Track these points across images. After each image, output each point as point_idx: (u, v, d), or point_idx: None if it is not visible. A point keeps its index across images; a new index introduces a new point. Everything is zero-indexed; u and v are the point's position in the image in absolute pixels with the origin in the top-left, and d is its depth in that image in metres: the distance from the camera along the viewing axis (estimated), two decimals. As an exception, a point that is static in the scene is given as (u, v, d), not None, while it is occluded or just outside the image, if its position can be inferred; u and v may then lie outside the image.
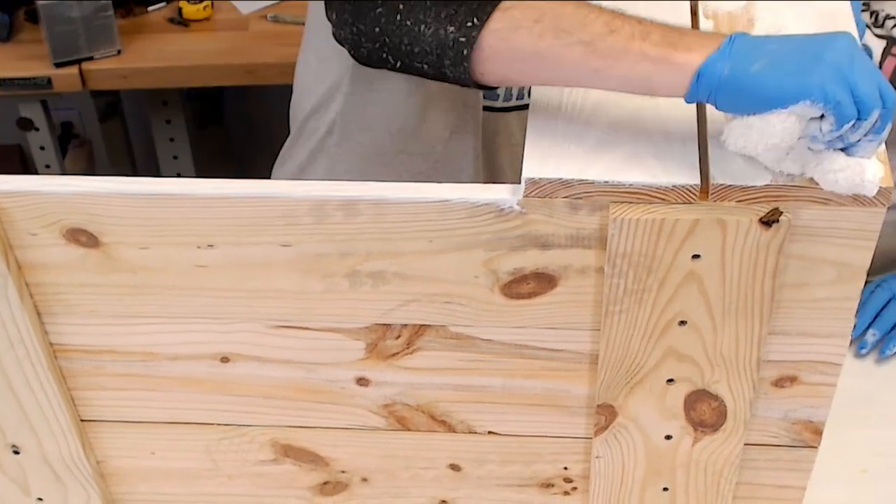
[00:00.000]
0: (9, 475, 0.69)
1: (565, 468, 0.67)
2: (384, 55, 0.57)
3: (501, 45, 0.52)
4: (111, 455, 0.68)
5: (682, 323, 0.56)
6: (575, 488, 0.68)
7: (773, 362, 0.59)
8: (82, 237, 0.57)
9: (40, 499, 0.70)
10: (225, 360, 0.63)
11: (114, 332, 0.61)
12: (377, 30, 0.56)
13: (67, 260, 0.58)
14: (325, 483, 0.69)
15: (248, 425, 0.66)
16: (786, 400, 0.61)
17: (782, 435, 0.63)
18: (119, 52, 1.24)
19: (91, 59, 1.23)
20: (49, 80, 1.23)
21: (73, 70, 1.23)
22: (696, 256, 0.52)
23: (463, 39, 0.53)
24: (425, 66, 0.56)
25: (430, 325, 0.60)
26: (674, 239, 0.52)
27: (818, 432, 0.62)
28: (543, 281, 0.57)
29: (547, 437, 0.65)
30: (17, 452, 0.66)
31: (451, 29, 0.53)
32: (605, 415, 0.61)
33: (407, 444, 0.66)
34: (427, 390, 0.63)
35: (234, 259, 0.57)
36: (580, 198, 0.52)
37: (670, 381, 0.59)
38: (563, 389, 0.62)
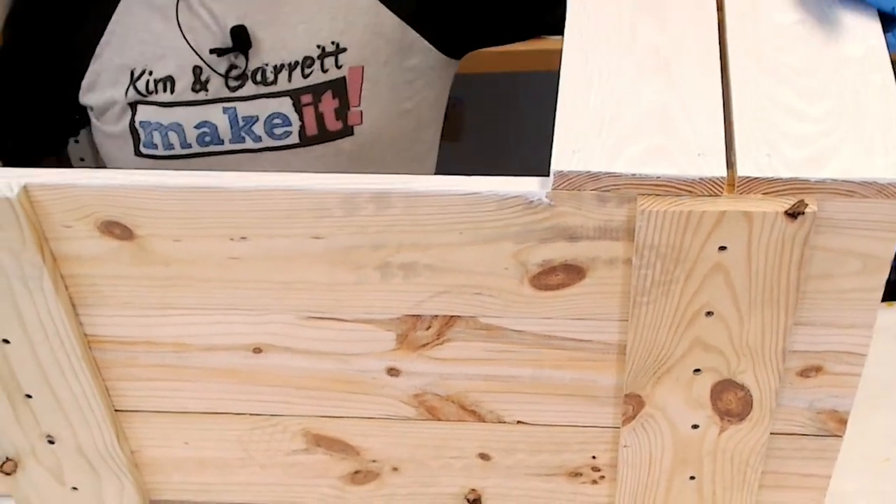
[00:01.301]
0: (44, 465, 0.73)
1: (593, 457, 0.70)
2: None
3: None
4: (145, 445, 0.73)
5: (709, 314, 0.59)
6: (602, 477, 0.72)
7: (799, 353, 0.62)
8: (116, 230, 0.60)
9: (75, 488, 0.74)
10: (257, 350, 0.67)
11: (147, 323, 0.65)
12: None
13: (101, 252, 0.62)
14: (357, 472, 0.73)
15: (280, 415, 0.70)
16: (811, 390, 0.64)
17: (808, 424, 0.66)
18: None
19: None
20: None
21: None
22: (722, 248, 0.56)
23: None
24: None
25: (460, 317, 0.63)
26: (700, 231, 0.55)
27: (843, 421, 0.65)
28: (572, 272, 0.60)
29: (576, 426, 0.69)
30: (51, 442, 0.71)
31: None
32: (633, 404, 0.65)
33: (437, 433, 0.70)
34: (457, 380, 0.67)
35: (266, 251, 0.61)
36: (608, 190, 0.55)
37: (697, 371, 0.62)
38: (590, 379, 0.66)
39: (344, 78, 0.80)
